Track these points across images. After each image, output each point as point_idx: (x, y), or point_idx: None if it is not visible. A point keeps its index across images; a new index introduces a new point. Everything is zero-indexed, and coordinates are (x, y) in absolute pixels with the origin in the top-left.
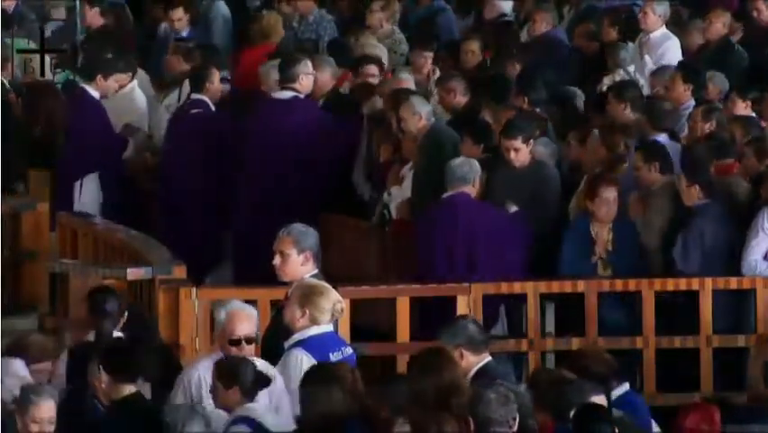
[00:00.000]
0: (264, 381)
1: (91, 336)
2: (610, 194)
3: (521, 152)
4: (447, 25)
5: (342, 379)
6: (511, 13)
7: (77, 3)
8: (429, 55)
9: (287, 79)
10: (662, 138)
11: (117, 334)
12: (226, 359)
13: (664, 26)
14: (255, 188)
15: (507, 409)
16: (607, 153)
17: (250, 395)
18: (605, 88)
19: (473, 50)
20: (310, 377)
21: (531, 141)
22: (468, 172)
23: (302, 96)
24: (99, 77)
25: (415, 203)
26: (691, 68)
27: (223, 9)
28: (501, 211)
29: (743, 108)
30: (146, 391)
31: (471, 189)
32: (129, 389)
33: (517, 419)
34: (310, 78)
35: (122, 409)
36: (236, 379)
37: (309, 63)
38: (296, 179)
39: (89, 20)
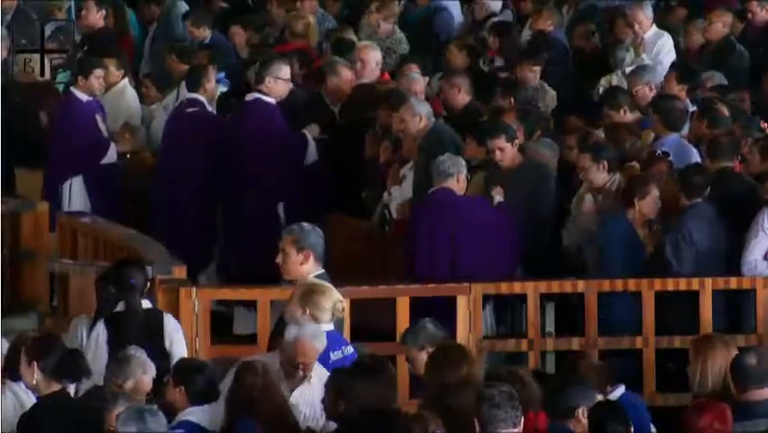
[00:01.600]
0: (213, 395)
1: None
2: (657, 191)
3: (506, 152)
4: (445, 25)
5: (391, 371)
6: (500, 12)
7: (73, 3)
8: (537, 69)
9: (255, 80)
10: (674, 138)
11: (146, 304)
12: (185, 361)
13: (654, 25)
14: (229, 188)
15: (511, 408)
16: (614, 152)
17: (196, 402)
18: (601, 90)
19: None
20: (363, 369)
21: (515, 141)
22: (450, 167)
23: (266, 99)
24: (80, 77)
25: (415, 203)
26: (686, 68)
27: (183, 7)
28: (486, 204)
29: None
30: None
31: (455, 185)
32: (56, 386)
33: (522, 420)
34: (279, 82)
35: (48, 406)
36: (186, 383)
37: (284, 68)
38: (254, 180)
39: (91, 21)
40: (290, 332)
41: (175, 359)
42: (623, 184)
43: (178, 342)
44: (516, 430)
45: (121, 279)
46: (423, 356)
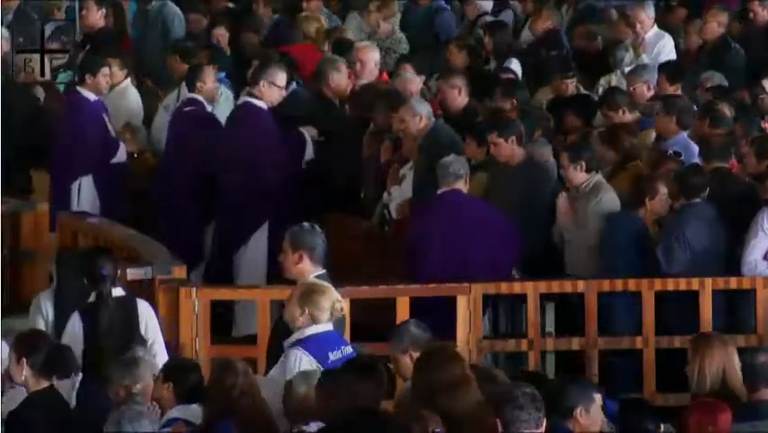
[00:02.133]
0: (201, 395)
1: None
2: (666, 189)
3: (500, 148)
4: (445, 25)
5: (383, 371)
6: (499, 12)
7: (76, 3)
8: (570, 82)
9: (250, 81)
10: (682, 137)
11: (117, 292)
12: (176, 360)
13: (656, 26)
14: (223, 189)
15: (535, 409)
16: (615, 154)
17: (183, 401)
18: (600, 90)
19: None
20: (354, 368)
21: (512, 138)
22: (460, 168)
23: (256, 102)
24: (88, 75)
25: (415, 203)
26: (675, 68)
27: (174, 8)
28: (488, 205)
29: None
30: None
31: (464, 186)
32: (45, 382)
33: (544, 421)
34: (274, 88)
35: (36, 402)
36: (175, 381)
37: (281, 74)
38: (244, 183)
39: (92, 21)
40: (300, 385)
41: (150, 342)
42: (596, 185)
43: (152, 325)
44: (538, 431)
45: (92, 270)
46: (406, 359)
